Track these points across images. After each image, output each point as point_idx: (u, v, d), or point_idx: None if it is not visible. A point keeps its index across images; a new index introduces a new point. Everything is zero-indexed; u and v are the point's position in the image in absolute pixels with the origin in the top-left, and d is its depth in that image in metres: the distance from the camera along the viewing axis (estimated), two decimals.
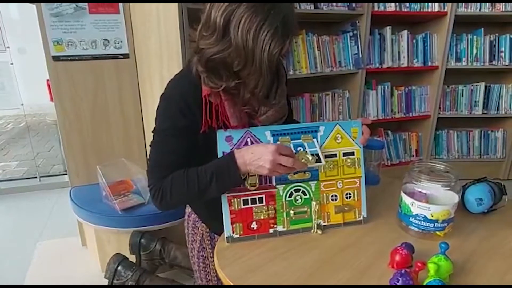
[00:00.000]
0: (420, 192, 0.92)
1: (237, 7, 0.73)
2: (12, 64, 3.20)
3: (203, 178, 0.86)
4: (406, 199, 0.93)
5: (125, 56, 1.94)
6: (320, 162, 0.92)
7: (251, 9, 0.73)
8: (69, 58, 1.84)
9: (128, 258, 1.62)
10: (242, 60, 0.77)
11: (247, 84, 0.82)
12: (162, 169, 0.90)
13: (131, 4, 1.85)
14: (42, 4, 1.72)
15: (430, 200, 0.90)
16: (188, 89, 0.88)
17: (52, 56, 1.80)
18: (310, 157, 0.90)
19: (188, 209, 1.12)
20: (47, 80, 1.88)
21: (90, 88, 1.92)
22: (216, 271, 0.86)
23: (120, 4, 1.85)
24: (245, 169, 0.86)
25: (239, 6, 0.73)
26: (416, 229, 0.92)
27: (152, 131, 0.94)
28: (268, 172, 0.84)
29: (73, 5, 1.76)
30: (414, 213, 0.91)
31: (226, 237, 0.91)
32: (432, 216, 0.89)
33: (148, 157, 0.94)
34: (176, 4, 1.46)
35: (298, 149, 0.93)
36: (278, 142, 0.93)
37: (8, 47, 3.23)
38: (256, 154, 0.84)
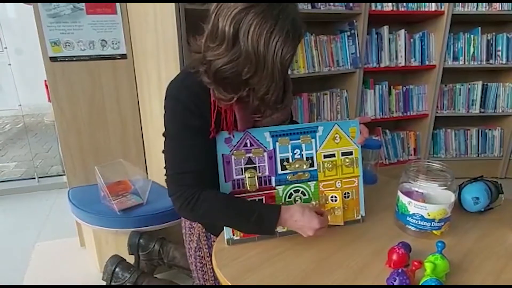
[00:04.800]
0: (417, 191, 0.92)
1: (245, 15, 0.72)
2: (10, 65, 3.20)
3: (242, 219, 0.87)
4: (403, 199, 0.94)
5: (123, 56, 1.94)
6: (313, 166, 0.96)
7: (260, 15, 0.72)
8: (66, 59, 1.83)
9: (125, 260, 1.62)
10: (253, 67, 0.76)
11: (256, 90, 0.81)
12: (186, 176, 0.88)
13: (128, 4, 1.85)
14: (39, 5, 1.72)
15: (427, 199, 0.91)
16: (195, 90, 0.87)
17: (50, 57, 1.80)
18: (305, 166, 0.95)
19: None
20: (45, 81, 1.87)
21: (88, 88, 1.92)
22: (213, 270, 0.87)
23: (118, 5, 1.84)
24: (282, 225, 0.89)
25: (248, 13, 0.72)
26: (413, 228, 0.93)
27: (163, 135, 0.92)
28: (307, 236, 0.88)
29: (71, 5, 1.76)
30: (411, 213, 0.92)
31: (227, 239, 0.91)
32: (429, 215, 0.89)
33: (165, 164, 0.92)
34: (173, 4, 1.46)
35: (296, 154, 0.95)
36: (277, 143, 0.93)
37: (6, 48, 3.23)
38: (299, 222, 0.86)
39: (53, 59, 1.81)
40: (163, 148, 0.93)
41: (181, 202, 0.87)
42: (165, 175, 0.92)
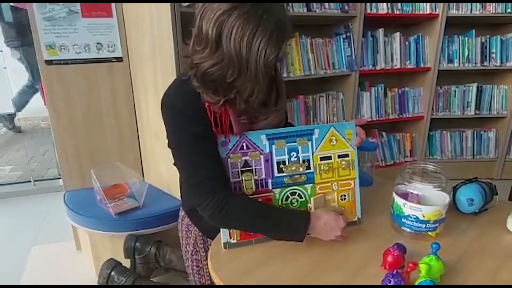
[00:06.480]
0: (411, 193, 0.93)
1: (228, 17, 0.71)
2: (5, 68, 3.18)
3: (273, 225, 0.89)
4: (398, 200, 0.94)
5: (119, 59, 1.93)
6: (310, 169, 0.96)
7: (242, 16, 0.71)
8: (62, 62, 1.83)
9: (121, 264, 1.61)
10: (236, 70, 0.75)
11: (241, 93, 0.80)
12: (206, 183, 0.87)
13: (124, 7, 1.85)
14: (35, 8, 1.72)
15: (421, 201, 0.91)
16: (189, 97, 0.86)
17: (45, 60, 1.80)
18: (301, 169, 0.95)
19: (182, 213, 1.12)
20: (41, 84, 1.87)
21: (84, 92, 1.91)
22: (210, 274, 0.86)
23: (113, 8, 1.84)
24: (311, 233, 0.89)
25: (230, 15, 0.71)
26: (408, 230, 0.93)
27: (169, 146, 0.91)
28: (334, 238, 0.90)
29: (66, 9, 1.76)
30: (406, 214, 0.92)
31: (224, 243, 0.91)
32: (424, 216, 0.90)
33: (181, 176, 0.93)
34: (169, 7, 1.46)
35: (292, 156, 0.95)
36: (273, 146, 0.93)
37: (1, 51, 3.22)
38: (328, 224, 0.89)
39: (49, 62, 1.81)
40: (173, 160, 0.92)
41: (212, 210, 0.86)
42: (181, 186, 0.93)
